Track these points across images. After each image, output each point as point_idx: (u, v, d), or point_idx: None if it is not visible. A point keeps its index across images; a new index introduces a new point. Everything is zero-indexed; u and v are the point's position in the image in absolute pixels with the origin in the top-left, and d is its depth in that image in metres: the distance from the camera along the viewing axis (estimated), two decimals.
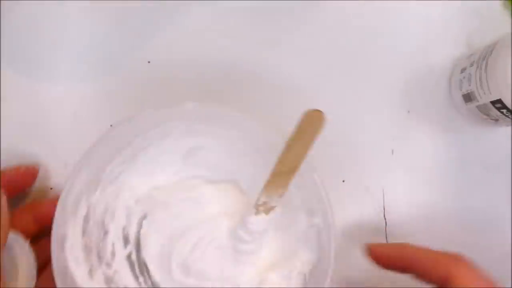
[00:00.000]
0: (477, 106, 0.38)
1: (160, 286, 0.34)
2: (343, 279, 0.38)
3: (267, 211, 0.32)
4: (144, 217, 0.35)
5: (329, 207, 0.31)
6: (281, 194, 0.31)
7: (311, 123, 0.29)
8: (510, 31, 0.36)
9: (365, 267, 0.34)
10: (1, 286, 0.27)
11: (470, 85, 0.38)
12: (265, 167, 0.33)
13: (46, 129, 0.38)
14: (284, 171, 0.31)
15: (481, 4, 0.41)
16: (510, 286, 0.38)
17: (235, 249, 0.34)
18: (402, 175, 0.40)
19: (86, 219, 0.32)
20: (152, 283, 0.35)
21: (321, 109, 0.28)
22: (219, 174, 0.35)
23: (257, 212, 0.32)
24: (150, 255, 0.35)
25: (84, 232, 0.32)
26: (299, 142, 0.29)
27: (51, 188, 0.37)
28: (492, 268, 0.29)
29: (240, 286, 0.34)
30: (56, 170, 0.37)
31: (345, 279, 0.38)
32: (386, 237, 0.39)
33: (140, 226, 0.35)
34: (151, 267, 0.35)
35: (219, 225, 0.34)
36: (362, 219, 0.39)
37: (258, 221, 0.32)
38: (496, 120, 0.38)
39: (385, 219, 0.39)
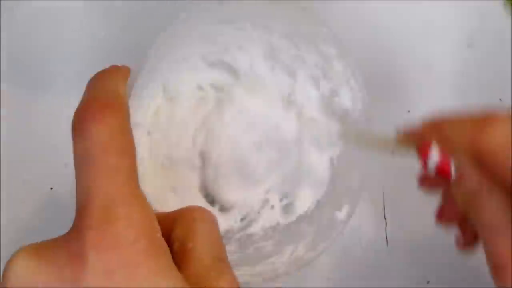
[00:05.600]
0: None
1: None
2: None
3: None
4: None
5: None
6: None
7: None
8: None
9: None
10: None
11: None
12: None
13: (46, 129, 0.37)
14: None
15: (481, 4, 0.41)
16: None
17: None
18: None
19: None
20: None
21: None
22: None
23: None
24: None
25: None
26: None
27: (51, 188, 0.36)
28: None
29: None
30: (56, 170, 0.36)
31: None
32: (387, 237, 0.38)
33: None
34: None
35: None
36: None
37: None
38: None
39: (385, 219, 0.38)
